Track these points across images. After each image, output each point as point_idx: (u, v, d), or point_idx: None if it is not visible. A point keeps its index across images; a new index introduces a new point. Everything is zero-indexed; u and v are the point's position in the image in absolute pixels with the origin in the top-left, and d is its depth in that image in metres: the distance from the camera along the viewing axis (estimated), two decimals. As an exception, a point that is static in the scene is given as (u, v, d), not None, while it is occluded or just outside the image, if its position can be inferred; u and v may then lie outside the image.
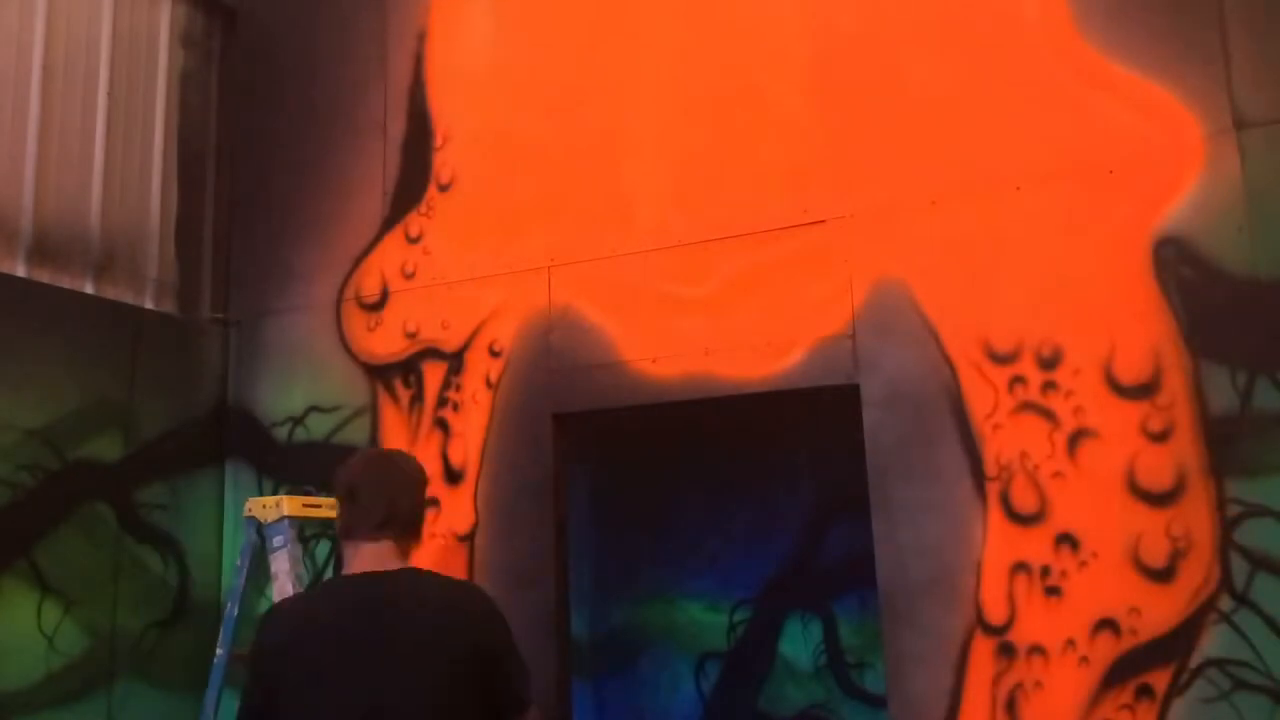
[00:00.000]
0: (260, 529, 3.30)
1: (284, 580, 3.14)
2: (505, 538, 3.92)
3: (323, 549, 4.32)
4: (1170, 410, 2.99)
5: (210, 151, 4.94)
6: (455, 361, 4.15)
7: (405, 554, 2.41)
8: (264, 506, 3.31)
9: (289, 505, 3.26)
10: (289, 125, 4.79)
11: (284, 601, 2.56)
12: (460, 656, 2.27)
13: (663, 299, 3.76)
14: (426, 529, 4.04)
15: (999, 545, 3.14)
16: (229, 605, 3.37)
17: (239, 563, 3.37)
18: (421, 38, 4.50)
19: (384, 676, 2.22)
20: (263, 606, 4.28)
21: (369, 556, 2.35)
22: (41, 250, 4.09)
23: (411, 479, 2.49)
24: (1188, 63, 3.12)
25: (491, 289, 4.10)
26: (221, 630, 3.34)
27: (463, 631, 2.30)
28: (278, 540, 3.24)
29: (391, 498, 2.40)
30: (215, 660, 3.29)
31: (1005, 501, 3.16)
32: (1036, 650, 3.05)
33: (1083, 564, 3.03)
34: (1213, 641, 2.86)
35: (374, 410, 4.31)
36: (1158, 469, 2.98)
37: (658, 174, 3.87)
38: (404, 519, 2.42)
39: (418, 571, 2.40)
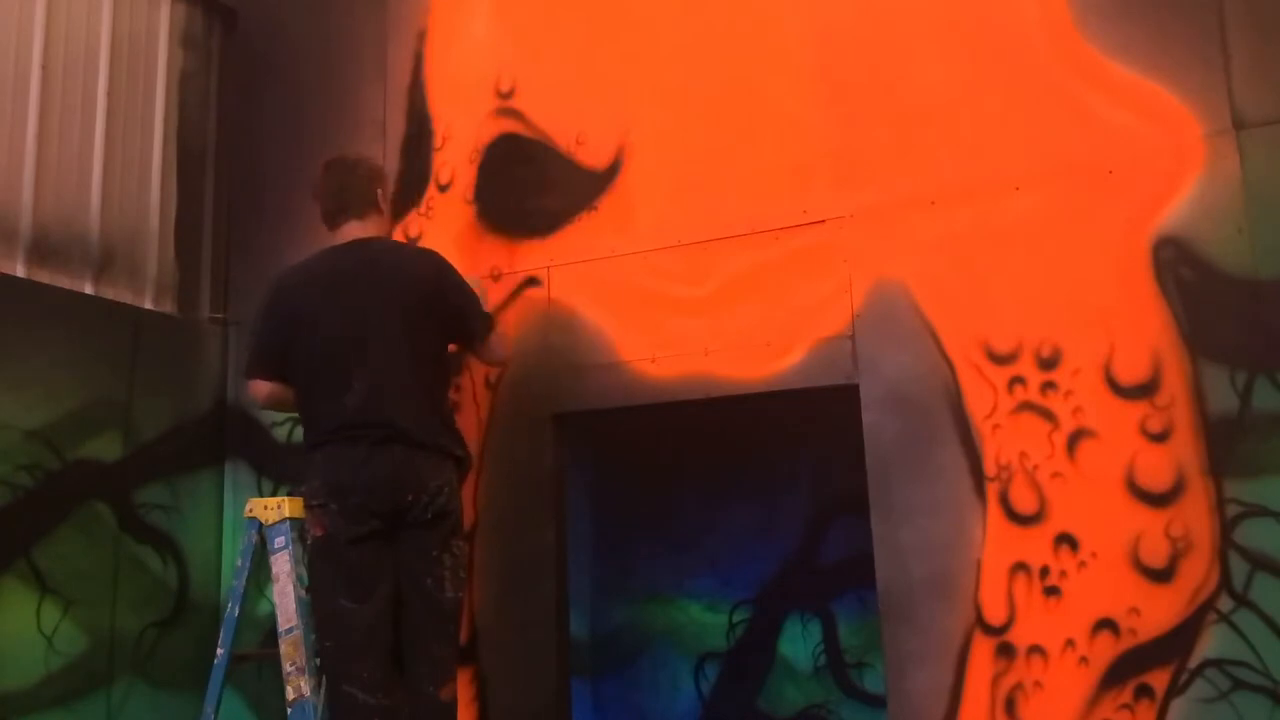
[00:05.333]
0: (261, 529, 3.30)
1: (285, 582, 3.14)
2: (505, 538, 3.92)
3: (322, 549, 4.32)
4: (1170, 410, 2.99)
5: (210, 152, 4.94)
6: (454, 361, 4.14)
7: (373, 228, 3.41)
8: (265, 507, 3.30)
9: (291, 506, 3.26)
10: (289, 125, 4.79)
11: (285, 271, 3.45)
12: (422, 294, 3.25)
13: (663, 299, 3.76)
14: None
15: (998, 545, 3.14)
16: (230, 606, 3.36)
17: (239, 563, 3.36)
18: (421, 37, 4.50)
19: (365, 312, 3.18)
20: (264, 608, 4.29)
21: (345, 235, 3.37)
22: (40, 250, 4.09)
23: (357, 170, 3.47)
24: (1187, 63, 3.12)
25: (491, 289, 4.09)
26: (222, 630, 3.33)
27: (422, 279, 3.28)
28: (279, 541, 3.23)
29: (342, 186, 3.40)
30: (216, 660, 3.29)
31: (1005, 502, 3.16)
32: (1036, 650, 3.06)
33: (1082, 564, 3.03)
34: (1212, 642, 2.86)
35: (374, 410, 4.30)
36: (1157, 469, 2.98)
37: (658, 174, 3.87)
38: (359, 201, 3.40)
39: (383, 239, 3.47)
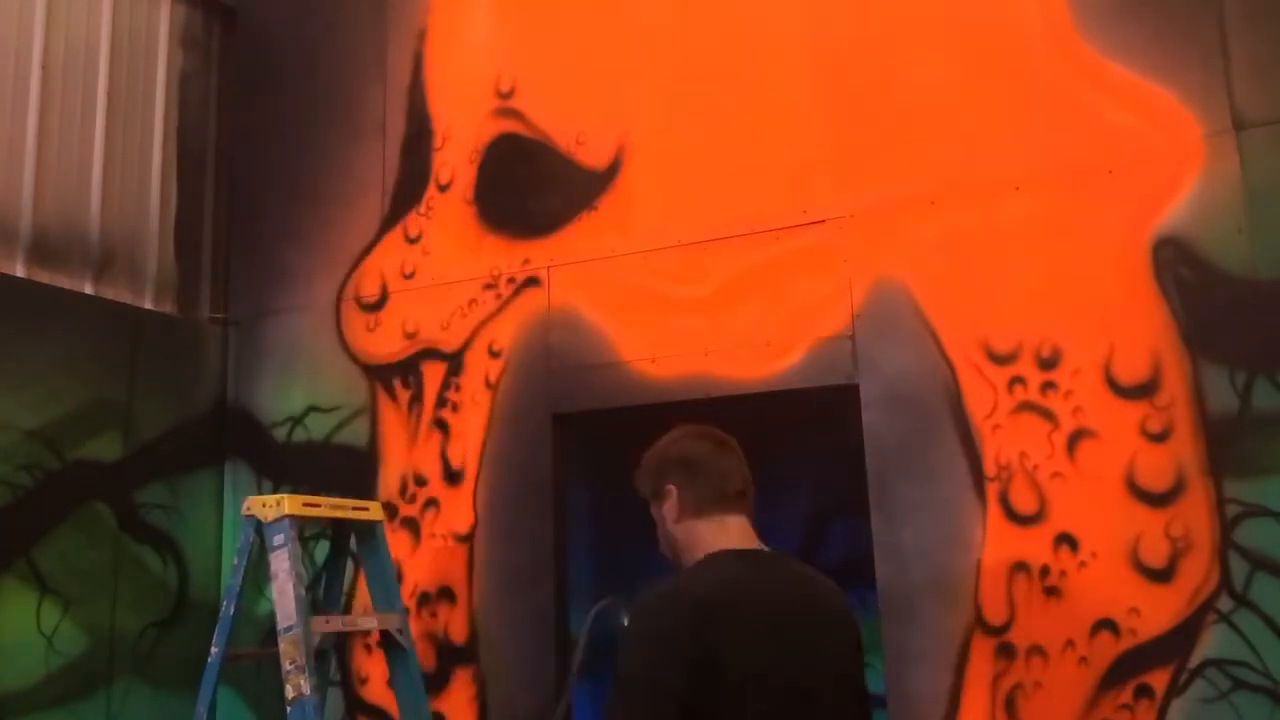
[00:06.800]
0: (260, 528, 3.28)
1: (284, 580, 3.11)
2: (505, 538, 3.92)
3: (321, 549, 4.31)
4: (1169, 410, 2.99)
5: (210, 151, 4.94)
6: (454, 362, 4.14)
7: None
8: (264, 505, 3.26)
9: (290, 504, 3.23)
10: (288, 125, 4.79)
11: (677, 585, 2.04)
12: (853, 641, 2.22)
13: (663, 299, 3.76)
14: (426, 528, 4.08)
15: (998, 545, 3.14)
16: (225, 604, 3.34)
17: (236, 562, 3.35)
18: (421, 37, 4.50)
19: (818, 661, 2.06)
20: (263, 606, 4.29)
21: (735, 532, 2.13)
22: (41, 250, 4.09)
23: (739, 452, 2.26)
24: (1187, 63, 3.12)
25: (491, 289, 4.09)
26: (217, 629, 3.32)
27: (848, 618, 2.23)
28: (278, 539, 3.19)
29: (741, 468, 2.21)
30: (210, 659, 3.27)
31: (1005, 502, 3.16)
32: (1036, 650, 3.05)
33: (1082, 564, 3.03)
34: (1212, 642, 2.86)
35: (373, 410, 4.31)
36: (1157, 469, 2.98)
37: (658, 174, 3.87)
38: (751, 492, 2.22)
39: (785, 554, 2.24)
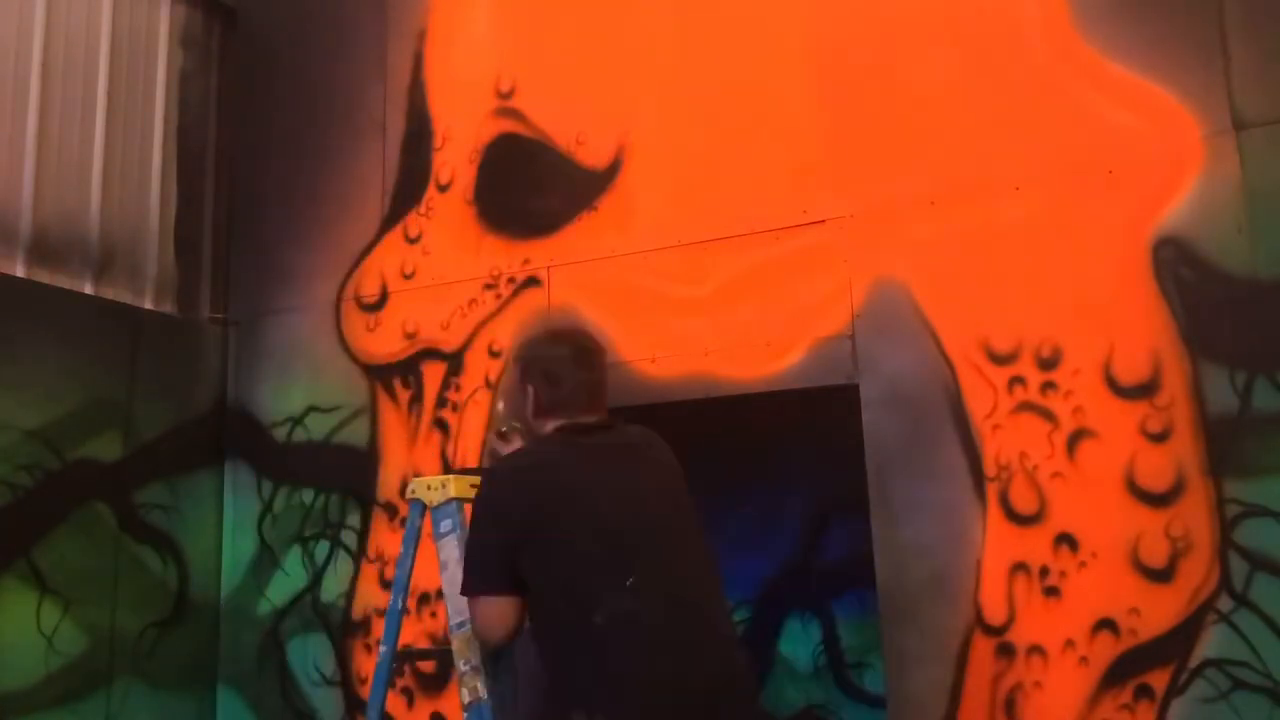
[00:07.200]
0: (426, 512, 2.88)
1: (454, 569, 2.71)
2: (505, 538, 3.91)
3: (321, 549, 4.32)
4: (1169, 410, 2.99)
5: (210, 151, 4.94)
6: (454, 362, 4.14)
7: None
8: (429, 488, 2.86)
9: (455, 486, 2.83)
10: (288, 125, 4.79)
11: (511, 459, 2.61)
12: (672, 485, 2.57)
13: (663, 299, 3.76)
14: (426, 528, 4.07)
15: (998, 545, 3.14)
16: (394, 598, 2.96)
17: (402, 551, 2.96)
18: (421, 37, 4.50)
19: (635, 508, 2.42)
20: (263, 606, 4.28)
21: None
22: (40, 250, 4.09)
23: (603, 361, 2.67)
24: (1187, 63, 3.12)
25: (491, 289, 4.09)
26: (385, 626, 2.99)
27: (666, 463, 2.62)
28: (445, 525, 2.79)
29: (597, 386, 2.60)
30: (379, 658, 2.93)
31: (1005, 502, 3.16)
32: (1036, 650, 3.05)
33: (1082, 564, 3.03)
34: (1212, 642, 2.86)
35: (373, 410, 4.31)
36: (1157, 469, 2.98)
37: (657, 174, 3.87)
38: (602, 400, 2.61)
39: (617, 421, 2.62)
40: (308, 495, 4.40)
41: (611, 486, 2.42)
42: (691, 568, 2.42)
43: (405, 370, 4.26)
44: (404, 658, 3.09)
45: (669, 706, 2.22)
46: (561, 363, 2.59)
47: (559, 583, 2.35)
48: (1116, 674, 2.95)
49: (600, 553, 2.33)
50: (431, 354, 4.21)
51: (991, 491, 3.18)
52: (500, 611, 2.39)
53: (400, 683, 3.98)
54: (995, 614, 3.12)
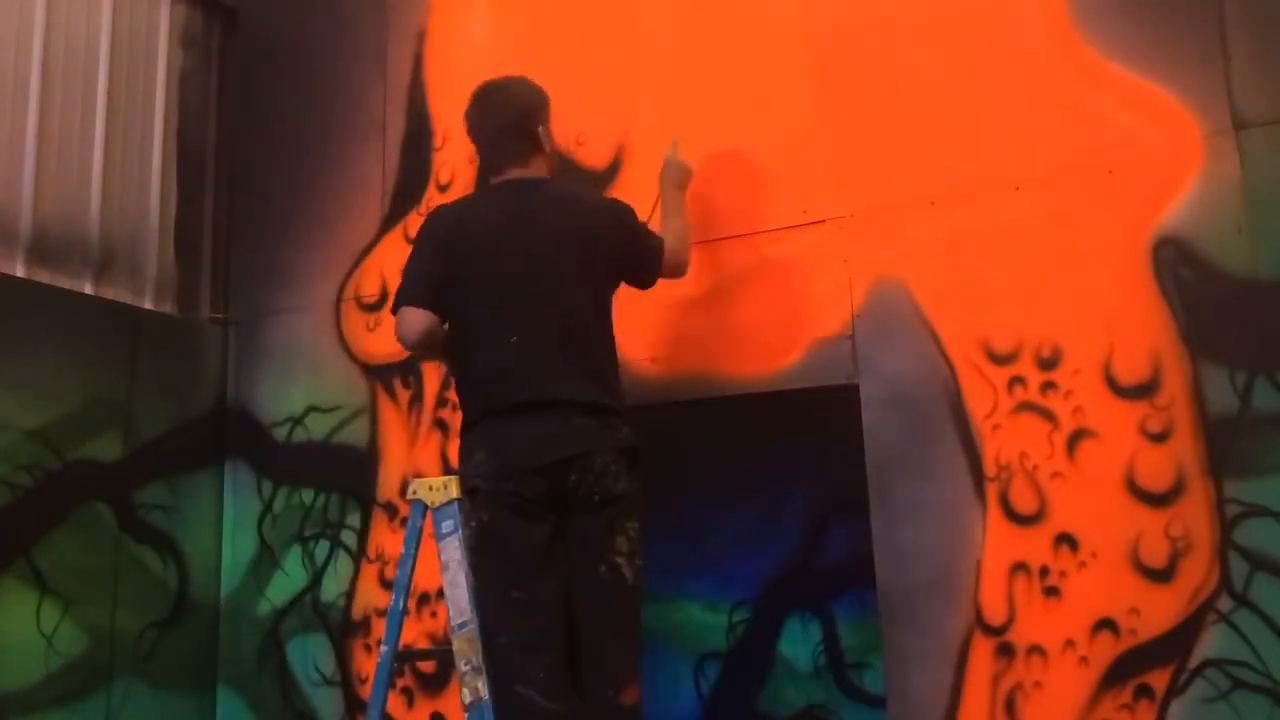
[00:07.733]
0: (426, 513, 2.92)
1: (455, 570, 2.77)
2: (505, 538, 3.91)
3: (321, 549, 4.32)
4: (1169, 410, 2.99)
5: (210, 151, 4.94)
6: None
7: (534, 172, 3.00)
8: (430, 489, 2.91)
9: (457, 487, 2.87)
10: (288, 125, 4.79)
11: (441, 208, 3.08)
12: (591, 234, 2.95)
13: (663, 299, 3.76)
14: (426, 528, 4.07)
15: (998, 545, 3.14)
16: (395, 599, 3.00)
17: (403, 551, 3.00)
18: (421, 37, 4.50)
19: (535, 251, 2.84)
20: (263, 606, 4.28)
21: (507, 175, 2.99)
22: (40, 250, 4.09)
23: (513, 107, 3.02)
24: (1187, 63, 3.11)
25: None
26: (387, 626, 3.02)
27: (599, 211, 3.06)
28: (447, 525, 2.83)
29: (501, 131, 3.00)
30: (380, 658, 2.97)
31: (1004, 502, 3.16)
32: (1036, 650, 3.05)
33: (1082, 564, 3.03)
34: (1212, 642, 2.86)
35: (373, 410, 4.31)
36: (1157, 469, 2.98)
37: (657, 174, 3.86)
38: (525, 146, 2.99)
39: (549, 178, 3.05)
40: (308, 495, 4.40)
41: (519, 237, 2.82)
42: (568, 319, 2.80)
43: (405, 370, 4.26)
44: (404, 658, 3.10)
45: (517, 453, 2.68)
46: (468, 116, 3.05)
47: (461, 324, 2.82)
48: (1116, 674, 2.95)
49: (491, 302, 2.78)
50: (431, 354, 4.21)
51: (991, 491, 3.18)
52: (412, 319, 2.77)
53: (400, 683, 3.98)
54: (995, 614, 3.12)
